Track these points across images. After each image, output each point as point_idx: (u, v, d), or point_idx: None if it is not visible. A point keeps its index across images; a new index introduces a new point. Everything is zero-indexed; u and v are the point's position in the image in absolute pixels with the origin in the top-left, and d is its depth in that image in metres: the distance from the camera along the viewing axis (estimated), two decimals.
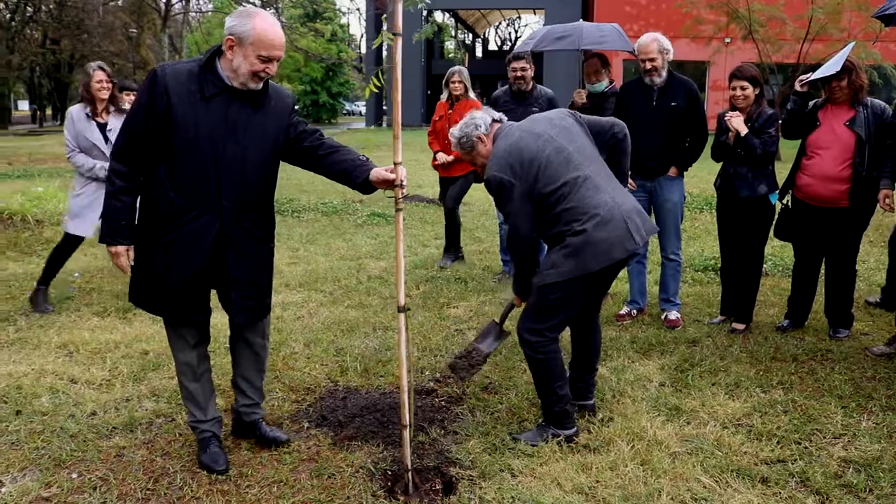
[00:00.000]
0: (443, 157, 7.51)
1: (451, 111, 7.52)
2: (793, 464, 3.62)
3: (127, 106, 7.77)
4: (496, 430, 3.98)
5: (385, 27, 3.23)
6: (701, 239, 9.30)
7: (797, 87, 5.36)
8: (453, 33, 60.39)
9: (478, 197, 11.21)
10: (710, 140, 5.64)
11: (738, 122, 5.33)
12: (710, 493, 3.36)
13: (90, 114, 6.15)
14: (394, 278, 7.16)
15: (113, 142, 6.09)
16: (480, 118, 3.98)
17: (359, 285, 7.07)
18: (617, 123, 4.06)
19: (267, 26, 3.21)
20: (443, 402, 4.38)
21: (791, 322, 5.68)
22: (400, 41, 3.15)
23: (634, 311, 6.05)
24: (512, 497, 3.31)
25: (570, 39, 6.81)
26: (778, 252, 8.00)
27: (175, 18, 44.74)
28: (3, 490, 3.38)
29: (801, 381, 4.68)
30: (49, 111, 52.38)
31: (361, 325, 5.81)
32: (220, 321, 3.66)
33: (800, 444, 3.83)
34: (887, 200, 5.13)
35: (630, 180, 5.79)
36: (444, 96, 7.68)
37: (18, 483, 3.44)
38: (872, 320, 5.92)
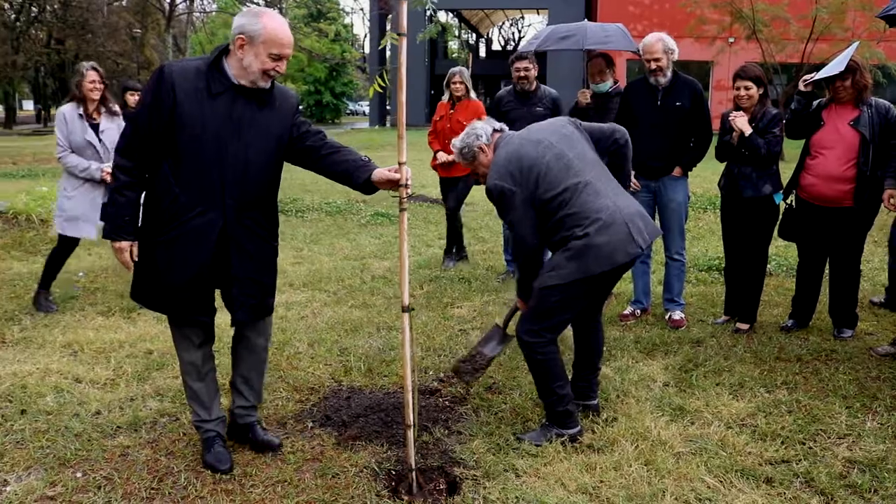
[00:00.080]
0: (443, 157, 7.51)
1: (452, 111, 7.52)
2: (797, 464, 3.62)
3: (131, 105, 7.82)
4: (500, 430, 3.98)
5: (389, 27, 3.23)
6: (705, 239, 9.29)
7: (801, 86, 5.35)
8: (457, 33, 60.43)
9: (481, 197, 11.17)
10: (714, 140, 5.64)
11: (742, 122, 5.33)
12: (714, 494, 3.35)
13: (82, 114, 6.10)
14: (397, 278, 7.16)
15: (106, 143, 6.12)
16: (481, 128, 3.99)
17: (363, 285, 7.08)
18: (618, 129, 4.08)
19: (277, 25, 3.25)
20: (447, 402, 4.38)
21: (795, 322, 5.67)
22: (405, 41, 3.15)
23: (638, 311, 6.05)
24: (516, 497, 3.31)
25: (574, 39, 6.81)
26: (782, 252, 7.99)
27: (179, 18, 44.85)
28: (8, 489, 3.39)
29: (805, 381, 4.67)
30: (53, 111, 52.44)
31: (365, 324, 5.81)
32: (224, 321, 3.66)
33: (804, 444, 3.83)
34: (892, 200, 5.12)
35: (634, 180, 5.80)
36: (445, 97, 7.68)
37: (23, 482, 3.45)
38: (877, 320, 5.91)
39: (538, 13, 53.39)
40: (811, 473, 3.51)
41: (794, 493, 3.36)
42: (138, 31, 45.17)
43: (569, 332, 4.26)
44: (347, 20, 60.29)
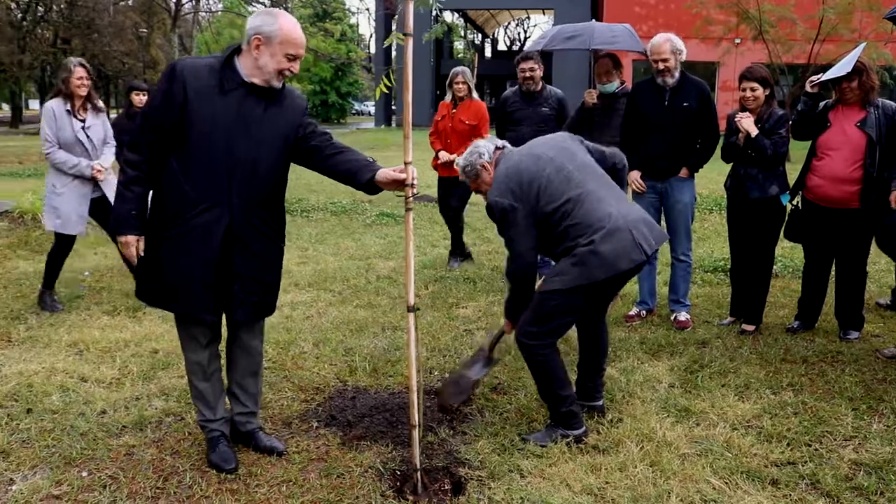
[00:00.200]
0: (445, 156, 7.51)
1: (454, 111, 7.52)
2: (803, 466, 3.61)
3: (136, 105, 7.84)
4: (505, 430, 3.98)
5: (395, 27, 3.24)
6: (711, 240, 9.27)
7: (808, 87, 5.34)
8: (462, 33, 60.41)
9: None
10: (721, 141, 5.63)
11: (748, 123, 5.31)
12: (719, 495, 3.35)
13: (70, 110, 6.06)
14: (402, 278, 7.16)
15: (94, 139, 6.11)
16: (484, 146, 4.03)
17: (368, 285, 7.08)
18: (616, 154, 4.15)
19: (292, 26, 3.32)
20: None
21: (801, 324, 5.66)
22: (411, 41, 3.15)
23: (644, 312, 6.04)
24: (521, 498, 3.31)
25: (580, 39, 6.80)
26: (788, 253, 7.97)
27: (185, 18, 44.94)
28: (14, 488, 3.39)
29: (811, 382, 4.66)
30: None
31: (370, 324, 5.81)
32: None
33: (810, 446, 3.82)
34: None
35: (640, 182, 5.81)
36: (447, 97, 7.68)
37: (29, 481, 3.45)
38: (883, 322, 5.90)
39: (544, 13, 53.34)
40: (817, 475, 3.50)
41: (799, 495, 3.35)
42: (144, 30, 45.31)
43: (573, 332, 4.26)
44: (353, 20, 60.32)
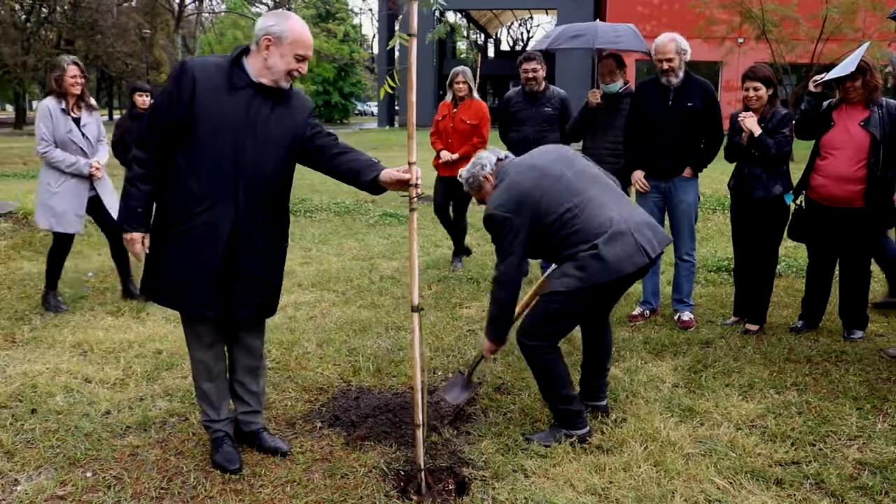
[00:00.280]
0: (446, 156, 7.52)
1: (455, 111, 7.53)
2: (807, 465, 3.60)
3: (140, 106, 7.84)
4: (509, 430, 3.98)
5: (398, 28, 3.25)
6: (714, 240, 9.27)
7: (811, 87, 5.33)
8: (465, 34, 60.40)
9: None
10: (724, 141, 5.63)
11: (751, 123, 5.31)
12: (723, 495, 3.34)
13: (65, 108, 6.05)
14: (406, 278, 7.17)
15: (90, 137, 6.11)
16: (486, 158, 4.06)
17: (371, 285, 7.08)
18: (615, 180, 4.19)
19: (302, 27, 3.36)
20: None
21: (805, 323, 5.65)
22: (415, 42, 3.16)
23: (647, 312, 6.04)
24: (525, 498, 3.31)
25: (585, 38, 6.79)
26: (792, 253, 7.96)
27: (188, 19, 44.97)
28: (19, 488, 3.40)
29: (815, 382, 4.66)
30: None
31: (374, 325, 5.81)
32: None
33: (814, 445, 3.81)
34: None
35: (644, 181, 5.81)
36: (448, 96, 7.68)
37: (34, 481, 3.46)
38: (887, 321, 5.89)
39: (547, 13, 53.29)
40: (821, 475, 3.50)
41: (804, 495, 3.35)
42: (147, 31, 45.33)
43: (577, 332, 4.26)
44: (356, 21, 60.30)
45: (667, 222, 5.95)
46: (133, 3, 46.61)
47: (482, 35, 63.74)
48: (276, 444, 3.76)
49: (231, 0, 47.58)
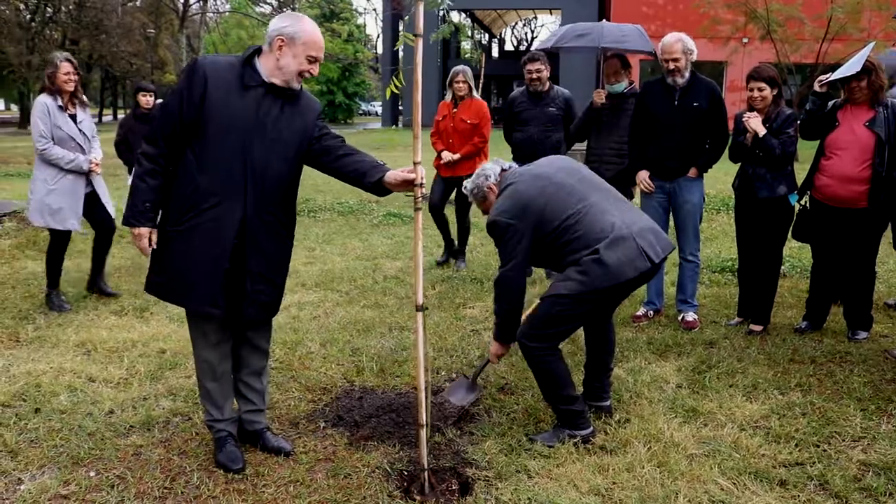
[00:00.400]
0: (448, 156, 7.52)
1: (455, 111, 7.52)
2: (811, 467, 3.59)
3: (143, 106, 7.85)
4: (512, 430, 3.98)
5: (402, 28, 3.25)
6: (718, 240, 9.25)
7: (816, 87, 5.32)
8: (470, 34, 60.38)
9: None
10: (729, 141, 5.62)
11: (755, 123, 5.30)
12: (727, 496, 3.34)
13: (62, 105, 6.03)
14: (409, 278, 7.17)
15: (86, 133, 6.11)
16: (490, 169, 4.11)
17: (375, 285, 7.08)
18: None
19: (314, 29, 3.41)
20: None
21: (809, 324, 5.64)
22: (421, 42, 3.16)
23: (651, 313, 6.03)
24: (528, 498, 3.31)
25: (590, 37, 6.80)
26: (796, 253, 7.94)
27: (192, 19, 45.01)
28: (23, 487, 3.40)
29: (819, 383, 4.64)
30: None
31: (377, 325, 5.81)
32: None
33: (818, 446, 3.80)
34: None
35: (649, 181, 5.80)
36: (448, 96, 7.68)
37: (37, 480, 3.46)
38: (892, 322, 5.87)
39: (551, 13, 53.29)
40: (825, 476, 3.49)
41: (808, 496, 3.34)
42: (152, 31, 45.45)
43: (580, 332, 4.26)
44: (360, 20, 60.39)
45: (671, 222, 5.94)
46: (137, 3, 46.72)
47: (486, 35, 63.74)
48: (279, 443, 3.76)
49: (235, 0, 47.67)
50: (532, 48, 9.76)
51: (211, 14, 48.32)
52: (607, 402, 4.21)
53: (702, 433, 3.94)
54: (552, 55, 7.54)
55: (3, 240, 8.53)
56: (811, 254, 5.72)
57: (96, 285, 6.63)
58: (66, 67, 6.01)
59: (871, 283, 5.47)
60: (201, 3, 45.02)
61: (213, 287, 3.40)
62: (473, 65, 9.97)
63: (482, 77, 7.78)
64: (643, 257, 3.69)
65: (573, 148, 7.65)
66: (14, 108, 51.13)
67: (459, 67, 7.66)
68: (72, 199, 6.08)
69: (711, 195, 11.42)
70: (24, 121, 42.97)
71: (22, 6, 39.72)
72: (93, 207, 6.29)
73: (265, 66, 3.38)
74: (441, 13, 30.76)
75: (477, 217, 8.37)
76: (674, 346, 5.33)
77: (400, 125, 46.39)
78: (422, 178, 3.31)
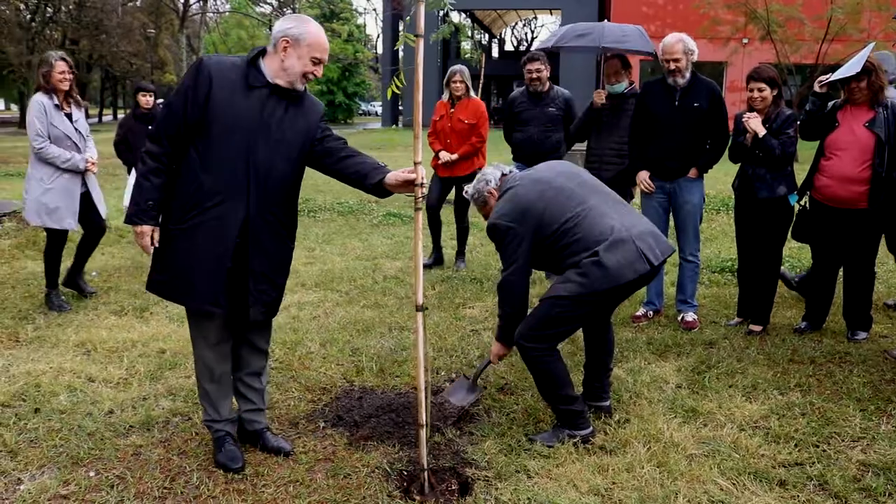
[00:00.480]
0: (446, 156, 7.52)
1: (452, 110, 7.52)
2: (811, 467, 3.59)
3: (143, 106, 7.85)
4: (512, 430, 3.98)
5: (403, 28, 3.25)
6: (718, 240, 9.25)
7: (816, 87, 5.32)
8: (470, 34, 60.39)
9: None
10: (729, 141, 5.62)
11: (755, 124, 5.30)
12: (727, 496, 3.34)
13: (58, 104, 6.02)
14: (409, 278, 7.17)
15: (82, 132, 6.10)
16: (490, 174, 4.14)
17: (374, 285, 7.08)
18: None
19: (319, 31, 3.42)
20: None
21: (809, 324, 5.64)
22: (421, 42, 3.16)
23: (651, 313, 6.03)
24: (528, 498, 3.31)
25: (591, 37, 6.80)
26: (796, 254, 7.94)
27: (192, 19, 45.02)
28: (22, 487, 3.40)
29: (818, 383, 4.65)
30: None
31: (377, 325, 5.81)
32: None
33: (818, 447, 3.80)
34: None
35: (649, 182, 5.80)
36: (444, 96, 7.67)
37: (37, 480, 3.46)
38: (891, 323, 5.88)
39: (551, 14, 53.28)
40: (825, 476, 3.49)
41: (807, 496, 3.34)
42: (152, 31, 45.44)
43: (579, 332, 4.26)
44: (360, 20, 60.38)
45: (671, 222, 5.95)
46: (138, 3, 46.72)
47: (486, 35, 63.74)
48: (279, 443, 3.76)
49: (235, 0, 47.68)
50: (532, 48, 9.77)
51: (211, 14, 48.36)
52: (607, 403, 4.21)
53: (701, 433, 3.94)
54: (552, 55, 7.55)
55: (3, 240, 8.52)
56: (811, 254, 5.72)
57: (74, 282, 6.60)
58: (60, 66, 6.00)
59: (871, 283, 5.47)
60: (201, 3, 45.04)
61: (216, 286, 3.40)
62: (473, 65, 9.97)
63: (482, 77, 7.78)
64: (642, 260, 3.70)
65: (573, 148, 7.65)
66: (14, 107, 51.11)
67: (457, 67, 7.66)
68: (68, 198, 6.07)
69: (711, 195, 11.42)
70: (23, 121, 42.97)
71: (22, 6, 39.71)
72: (85, 208, 6.28)
73: (270, 67, 3.39)
74: (441, 13, 30.76)
75: (476, 217, 8.37)
76: (673, 346, 5.33)
77: (400, 125, 46.40)
78: (422, 178, 3.32)
